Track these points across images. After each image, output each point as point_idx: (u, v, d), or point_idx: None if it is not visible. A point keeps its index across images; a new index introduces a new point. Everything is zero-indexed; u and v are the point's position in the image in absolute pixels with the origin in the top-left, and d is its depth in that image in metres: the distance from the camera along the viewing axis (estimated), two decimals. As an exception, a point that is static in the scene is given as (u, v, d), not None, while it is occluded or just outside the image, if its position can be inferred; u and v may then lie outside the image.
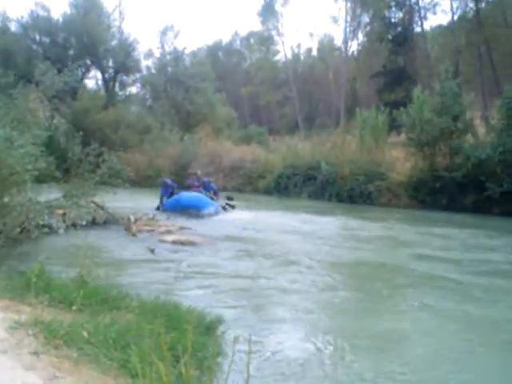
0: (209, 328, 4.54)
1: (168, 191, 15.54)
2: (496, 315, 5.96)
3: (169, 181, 16.28)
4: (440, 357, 4.59)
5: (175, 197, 14.82)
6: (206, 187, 16.24)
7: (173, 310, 4.64)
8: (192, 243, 9.64)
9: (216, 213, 14.65)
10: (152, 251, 8.56)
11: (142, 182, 28.90)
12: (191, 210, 13.98)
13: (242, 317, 5.56)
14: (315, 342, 4.86)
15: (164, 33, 44.86)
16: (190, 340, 2.63)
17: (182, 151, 31.43)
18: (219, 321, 4.71)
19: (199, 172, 18.10)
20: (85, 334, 3.59)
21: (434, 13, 57.70)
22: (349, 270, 8.18)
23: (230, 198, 16.95)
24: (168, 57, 44.73)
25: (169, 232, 10.67)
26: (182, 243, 9.58)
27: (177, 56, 44.43)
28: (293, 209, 17.81)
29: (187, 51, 47.82)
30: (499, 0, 38.03)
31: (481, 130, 21.93)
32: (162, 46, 45.03)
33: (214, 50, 63.16)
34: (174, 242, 9.63)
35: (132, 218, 11.15)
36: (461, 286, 7.30)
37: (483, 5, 38.70)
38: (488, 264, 8.98)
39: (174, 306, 4.81)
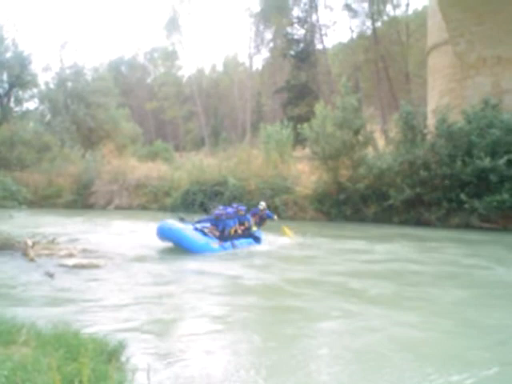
0: (111, 355, 4.32)
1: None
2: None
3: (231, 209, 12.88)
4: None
5: (160, 224, 11.99)
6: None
7: (73, 340, 4.38)
8: (95, 266, 9.25)
9: (210, 251, 11.49)
10: (51, 276, 8.09)
11: (41, 202, 27.84)
12: (170, 242, 11.83)
13: (147, 340, 5.38)
14: (222, 366, 4.77)
15: (63, 47, 43.58)
16: (86, 372, 2.48)
17: (83, 169, 30.56)
18: (122, 347, 4.50)
19: (262, 204, 14.52)
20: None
21: (334, 30, 60.50)
22: (263, 288, 8.14)
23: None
24: (68, 71, 43.36)
25: (70, 255, 10.18)
26: (84, 266, 9.16)
27: (77, 70, 43.21)
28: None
29: (89, 66, 46.69)
30: (393, 20, 40.46)
31: (381, 143, 22.93)
32: (62, 60, 43.72)
33: (116, 65, 62.02)
34: (75, 266, 9.18)
35: (29, 242, 10.53)
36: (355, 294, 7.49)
37: (379, 24, 40.95)
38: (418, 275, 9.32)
39: (73, 335, 4.54)
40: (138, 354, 4.72)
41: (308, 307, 6.86)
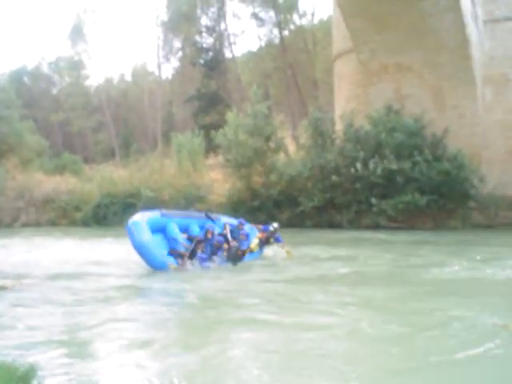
0: (22, 380, 4.07)
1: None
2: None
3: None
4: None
5: (129, 220, 10.02)
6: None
7: (-23, 368, 4.10)
8: (2, 288, 8.70)
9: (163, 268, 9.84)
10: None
11: None
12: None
13: (62, 362, 5.11)
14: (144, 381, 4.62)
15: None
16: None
17: (-15, 186, 28.87)
18: (34, 370, 4.25)
19: (274, 226, 12.58)
20: None
21: (243, 39, 61.35)
22: (198, 300, 7.99)
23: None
24: (-36, 83, 41.01)
25: (-27, 278, 9.54)
26: (-12, 289, 8.60)
27: (-25, 82, 40.90)
28: (112, 237, 17.22)
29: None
30: (300, 29, 41.55)
31: (292, 148, 23.42)
32: (-44, 72, 41.23)
33: (18, 75, 59.11)
34: (-22, 289, 8.60)
35: None
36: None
37: (286, 32, 41.92)
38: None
39: (-22, 363, 4.25)
40: (51, 377, 4.48)
41: (238, 317, 6.80)
